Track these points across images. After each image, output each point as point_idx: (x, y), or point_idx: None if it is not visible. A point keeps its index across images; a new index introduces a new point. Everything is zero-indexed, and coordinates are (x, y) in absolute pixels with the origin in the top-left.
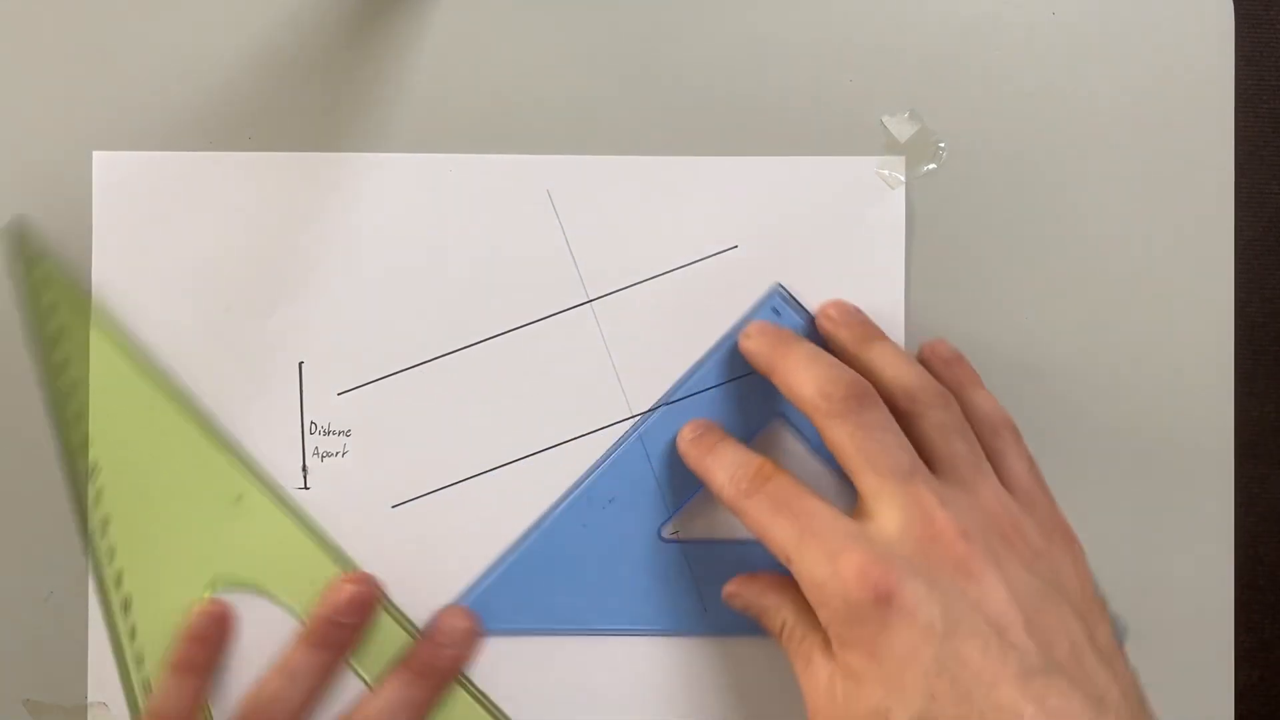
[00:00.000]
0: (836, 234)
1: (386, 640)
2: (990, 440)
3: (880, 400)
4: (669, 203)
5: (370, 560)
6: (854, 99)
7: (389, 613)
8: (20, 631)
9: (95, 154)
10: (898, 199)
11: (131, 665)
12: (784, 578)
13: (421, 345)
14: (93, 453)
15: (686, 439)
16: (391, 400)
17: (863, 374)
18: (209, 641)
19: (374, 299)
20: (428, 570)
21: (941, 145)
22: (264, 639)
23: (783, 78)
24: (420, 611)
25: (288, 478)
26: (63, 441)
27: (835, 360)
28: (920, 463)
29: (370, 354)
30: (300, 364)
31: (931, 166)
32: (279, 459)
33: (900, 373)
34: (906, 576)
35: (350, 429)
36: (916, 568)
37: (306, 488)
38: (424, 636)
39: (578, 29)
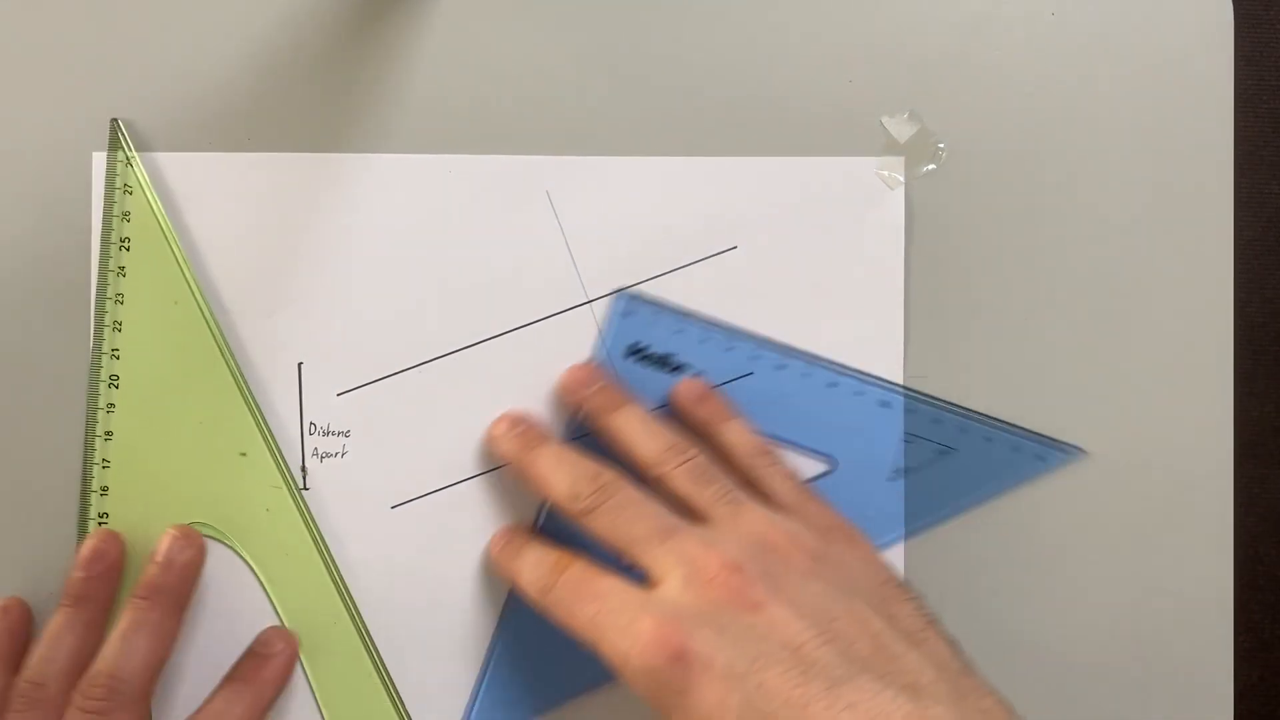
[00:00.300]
0: (836, 234)
1: (352, 663)
2: (748, 470)
3: (623, 480)
4: (669, 203)
5: (370, 560)
6: (854, 99)
7: (358, 629)
8: None
9: (95, 154)
10: (898, 199)
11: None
12: None
13: (421, 345)
14: (120, 365)
15: (497, 547)
16: (391, 400)
17: (609, 441)
18: (15, 635)
19: (374, 299)
20: (428, 570)
21: (941, 145)
22: (225, 588)
23: (783, 78)
24: (422, 611)
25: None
26: (96, 344)
27: (577, 456)
28: (676, 519)
29: (370, 354)
30: (300, 364)
31: (931, 166)
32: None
33: (637, 441)
34: (694, 628)
35: (350, 429)
36: (703, 617)
37: (306, 488)
38: (248, 653)
39: (578, 29)
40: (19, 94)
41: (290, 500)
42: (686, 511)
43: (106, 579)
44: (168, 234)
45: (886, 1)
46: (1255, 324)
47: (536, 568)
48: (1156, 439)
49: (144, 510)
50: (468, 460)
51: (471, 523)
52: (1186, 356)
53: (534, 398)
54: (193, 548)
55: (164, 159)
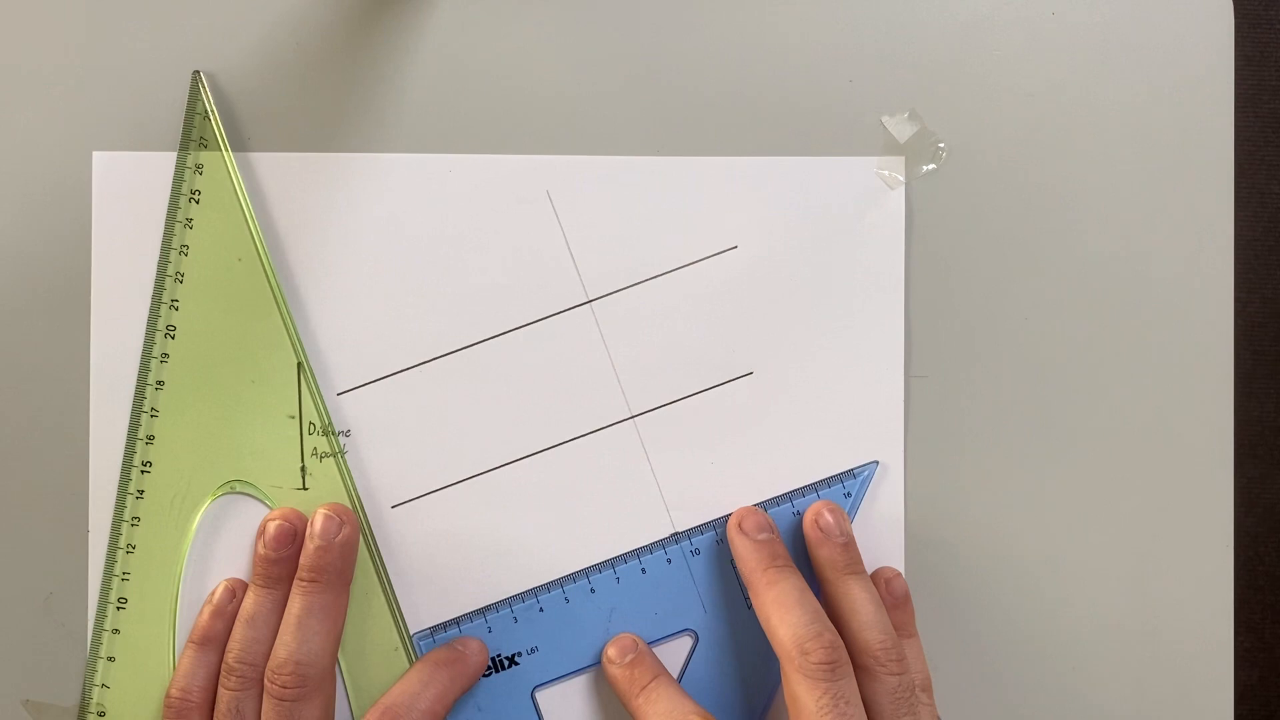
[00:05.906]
0: (836, 234)
1: (380, 634)
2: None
3: (851, 668)
4: (669, 203)
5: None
6: (854, 99)
7: (390, 605)
8: (20, 631)
9: (95, 154)
10: (898, 199)
11: (126, 523)
12: None
13: (421, 345)
14: (179, 317)
15: (615, 662)
16: (391, 400)
17: (834, 602)
18: (222, 616)
19: (374, 299)
20: (427, 570)
21: (941, 145)
22: (249, 536)
23: (783, 78)
24: (420, 610)
25: (287, 477)
26: (156, 293)
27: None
28: None
29: (370, 354)
30: (300, 364)
31: (931, 166)
32: (279, 459)
33: (868, 624)
34: None
35: (350, 429)
36: None
37: (305, 488)
38: (446, 644)
39: (578, 29)
40: (19, 94)
41: (335, 468)
42: (867, 711)
43: (294, 561)
44: (239, 191)
45: (887, 2)
46: (1255, 324)
47: None
48: (1156, 439)
49: (187, 462)
50: (467, 460)
51: (471, 522)
52: (1186, 356)
53: (534, 398)
54: (348, 525)
55: (164, 159)
